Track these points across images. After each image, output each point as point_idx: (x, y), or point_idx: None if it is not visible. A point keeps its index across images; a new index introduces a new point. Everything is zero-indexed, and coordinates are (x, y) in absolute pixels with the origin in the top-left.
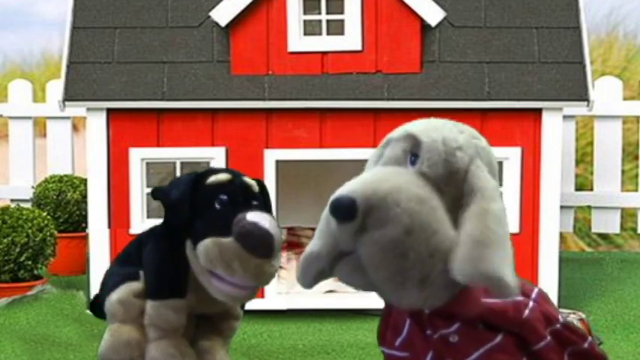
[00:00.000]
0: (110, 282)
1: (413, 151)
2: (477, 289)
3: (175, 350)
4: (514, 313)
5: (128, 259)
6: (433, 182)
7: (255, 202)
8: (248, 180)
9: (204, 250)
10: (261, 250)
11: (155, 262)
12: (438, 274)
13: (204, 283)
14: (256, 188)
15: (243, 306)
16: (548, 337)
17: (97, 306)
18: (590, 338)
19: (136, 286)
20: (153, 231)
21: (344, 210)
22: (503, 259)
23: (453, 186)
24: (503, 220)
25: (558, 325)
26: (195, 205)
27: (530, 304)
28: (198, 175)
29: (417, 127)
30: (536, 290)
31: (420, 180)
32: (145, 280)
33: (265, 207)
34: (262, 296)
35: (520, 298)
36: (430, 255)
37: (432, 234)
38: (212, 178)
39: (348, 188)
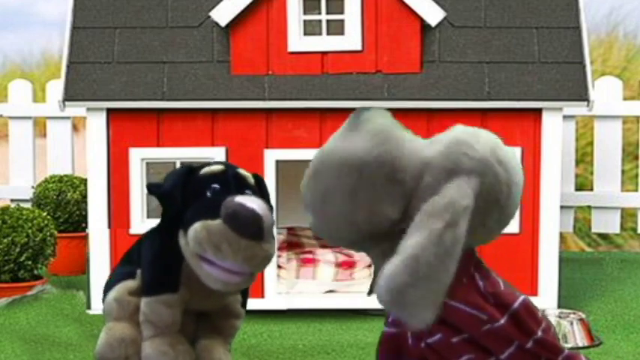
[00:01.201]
0: (110, 282)
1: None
2: None
3: (169, 348)
4: (470, 327)
5: (129, 259)
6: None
7: (248, 192)
8: (242, 172)
9: (194, 234)
10: (248, 230)
11: (149, 258)
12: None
13: (195, 269)
14: (251, 180)
15: (244, 304)
16: (506, 352)
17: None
18: (565, 353)
19: (131, 284)
20: (151, 229)
21: None
22: (423, 298)
23: (435, 178)
24: (444, 249)
25: (530, 344)
26: (187, 195)
27: (501, 321)
28: (191, 167)
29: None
30: (519, 301)
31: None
32: (141, 277)
33: (261, 198)
34: (262, 296)
35: (487, 311)
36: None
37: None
38: (205, 169)
39: None
